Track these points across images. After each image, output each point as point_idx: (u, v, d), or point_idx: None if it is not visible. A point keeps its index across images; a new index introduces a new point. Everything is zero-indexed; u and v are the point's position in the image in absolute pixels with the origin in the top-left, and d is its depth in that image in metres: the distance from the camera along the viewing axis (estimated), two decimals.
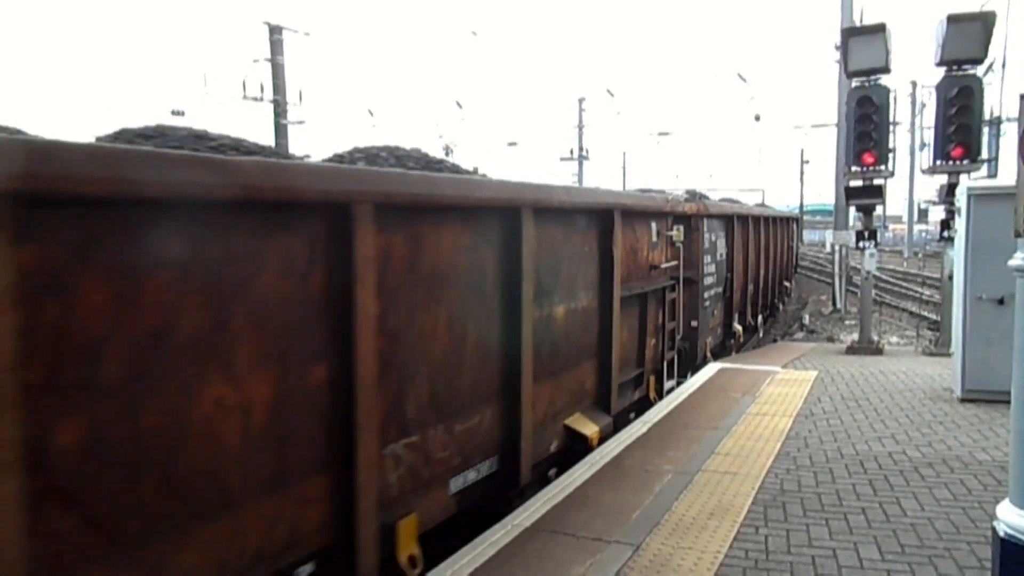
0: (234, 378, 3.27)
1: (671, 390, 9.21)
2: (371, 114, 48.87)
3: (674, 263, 9.34)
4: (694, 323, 10.84)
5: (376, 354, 3.97)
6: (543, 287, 5.90)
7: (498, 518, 5.03)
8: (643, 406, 8.34)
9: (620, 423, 7.44)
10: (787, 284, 23.17)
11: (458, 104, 43.73)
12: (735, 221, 13.54)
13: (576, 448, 6.50)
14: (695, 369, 10.49)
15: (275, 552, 3.51)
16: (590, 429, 6.67)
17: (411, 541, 4.32)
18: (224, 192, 3.20)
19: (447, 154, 37.02)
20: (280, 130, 23.68)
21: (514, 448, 5.54)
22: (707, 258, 11.53)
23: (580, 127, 42.90)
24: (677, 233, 9.39)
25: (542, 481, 5.94)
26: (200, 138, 4.56)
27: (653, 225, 8.62)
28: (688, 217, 10.48)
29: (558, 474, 6.09)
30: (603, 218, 7.06)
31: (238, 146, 4.64)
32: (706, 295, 11.53)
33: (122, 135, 4.48)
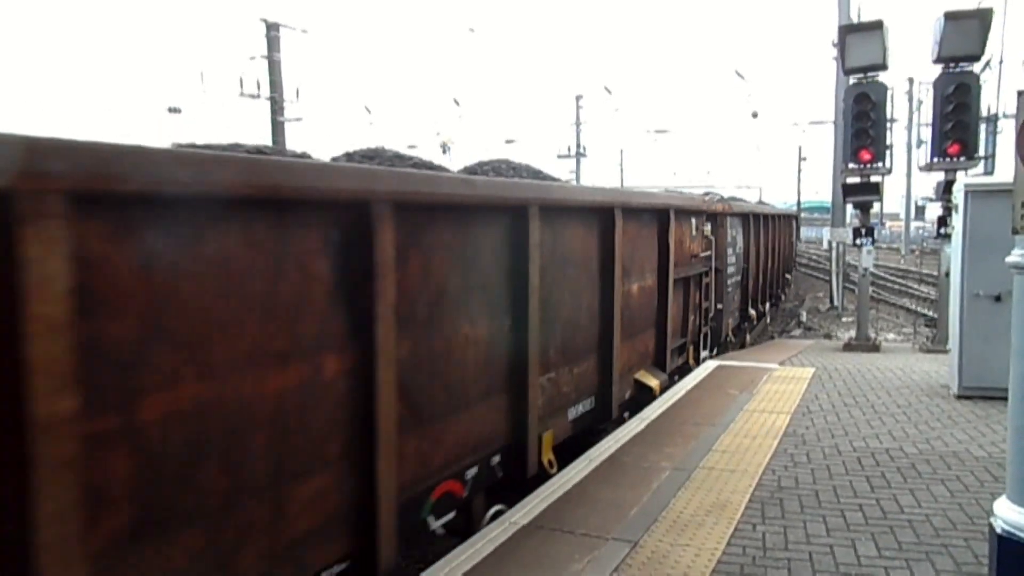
0: (472, 323, 4.94)
1: (705, 359, 11.02)
2: (368, 111, 48.71)
3: (708, 253, 11.07)
4: (719, 305, 11.96)
5: (538, 313, 5.63)
6: (625, 269, 7.59)
7: (590, 446, 6.53)
8: (684, 370, 10.05)
9: (670, 383, 9.10)
10: (788, 276, 25.22)
11: (456, 101, 43.72)
12: (750, 219, 15.16)
13: (642, 397, 8.20)
14: (719, 345, 12.25)
15: (482, 444, 5.18)
16: (653, 382, 8.48)
17: (549, 449, 6.06)
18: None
19: (444, 151, 36.98)
20: (277, 127, 23.64)
21: (606, 390, 7.24)
22: (730, 250, 12.81)
23: (578, 124, 42.85)
24: (709, 229, 11.07)
25: (619, 421, 7.50)
26: (400, 157, 6.55)
27: (693, 221, 10.29)
28: (716, 215, 11.71)
29: (630, 416, 7.68)
30: (662, 216, 8.82)
31: (430, 164, 6.69)
32: (729, 282, 12.86)
33: (352, 157, 6.49)
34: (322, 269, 3.59)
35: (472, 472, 5.00)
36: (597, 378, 7.07)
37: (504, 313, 5.35)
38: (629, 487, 5.51)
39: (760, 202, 30.51)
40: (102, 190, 2.58)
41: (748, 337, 15.72)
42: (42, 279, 2.38)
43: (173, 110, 23.69)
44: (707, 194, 14.58)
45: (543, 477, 5.74)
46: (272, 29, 23.19)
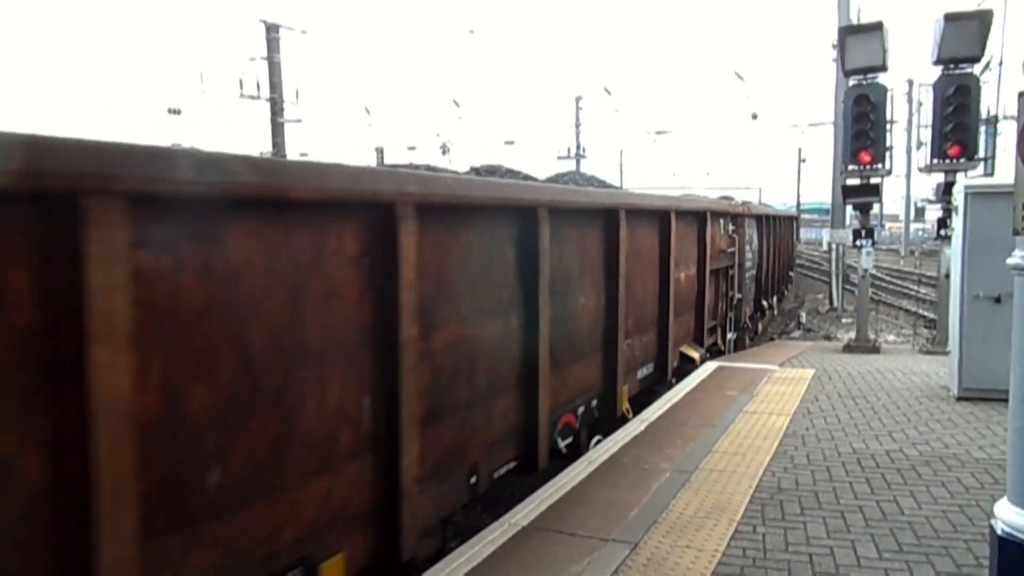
0: (585, 296, 6.71)
1: (730, 340, 12.68)
2: (368, 112, 48.74)
3: (732, 250, 12.64)
4: (739, 295, 13.41)
5: (624, 292, 7.37)
6: (676, 261, 9.19)
7: (648, 405, 8.11)
8: (714, 349, 11.70)
9: (705, 358, 10.76)
10: (790, 273, 27.17)
11: (455, 102, 43.75)
12: (762, 220, 16.86)
13: (685, 367, 9.98)
14: (739, 329, 13.59)
15: (587, 389, 6.87)
16: (694, 354, 10.24)
17: (626, 400, 7.77)
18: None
19: (444, 152, 36.96)
20: (277, 128, 23.64)
21: (664, 357, 9.07)
22: (748, 247, 14.21)
23: (577, 125, 42.85)
24: (732, 228, 12.61)
25: (670, 385, 9.13)
26: (513, 172, 9.06)
27: (722, 222, 11.98)
28: (737, 216, 13.25)
29: (677, 381, 9.26)
30: (700, 218, 10.62)
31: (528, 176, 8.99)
32: (747, 275, 14.30)
33: (479, 170, 8.63)
34: (508, 254, 5.33)
35: (581, 410, 6.73)
36: (656, 347, 8.97)
37: (602, 291, 7.14)
38: (629, 488, 5.50)
39: (761, 203, 30.73)
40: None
41: (760, 325, 17.53)
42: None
43: (173, 111, 23.70)
44: (723, 198, 16.59)
45: (623, 421, 7.49)
46: (272, 30, 23.20)
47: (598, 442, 6.86)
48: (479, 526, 4.94)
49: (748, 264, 14.43)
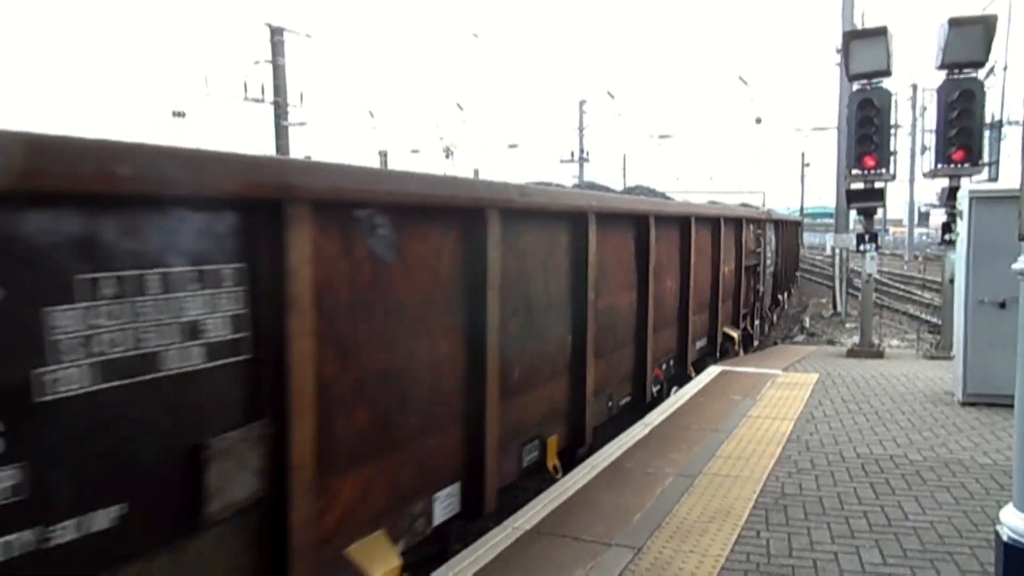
0: (671, 280, 9.08)
1: (758, 326, 15.13)
2: (372, 115, 48.86)
3: (759, 250, 14.86)
4: (762, 288, 15.57)
5: (693, 281, 9.61)
6: (724, 259, 11.46)
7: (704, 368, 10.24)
8: (745, 336, 13.63)
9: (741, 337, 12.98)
10: (796, 274, 29.53)
11: (459, 106, 43.75)
12: (779, 225, 19.41)
13: (726, 344, 12.01)
14: (761, 318, 15.70)
15: (666, 353, 9.03)
16: (734, 333, 12.52)
17: (691, 363, 9.93)
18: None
19: (447, 156, 37.01)
20: (281, 132, 23.70)
21: (714, 333, 11.38)
22: (768, 248, 16.40)
23: (581, 129, 42.87)
24: (759, 232, 14.96)
25: (714, 357, 11.26)
26: (652, 192, 13.32)
27: (752, 227, 14.20)
28: (761, 221, 15.54)
29: (720, 357, 11.47)
30: (738, 223, 12.96)
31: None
32: (767, 272, 16.41)
33: (631, 191, 13.22)
34: (564, 259, 6.19)
35: (664, 366, 8.89)
36: (708, 325, 11.04)
37: (678, 280, 9.08)
38: (632, 493, 5.49)
39: (765, 208, 31.16)
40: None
41: (774, 316, 19.80)
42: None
43: (177, 114, 23.73)
44: (743, 204, 19.79)
45: (688, 379, 9.36)
46: (276, 33, 23.26)
47: (676, 391, 9.05)
48: (482, 529, 4.93)
49: (768, 263, 16.67)
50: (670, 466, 6.10)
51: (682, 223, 9.37)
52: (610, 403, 7.34)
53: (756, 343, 15.06)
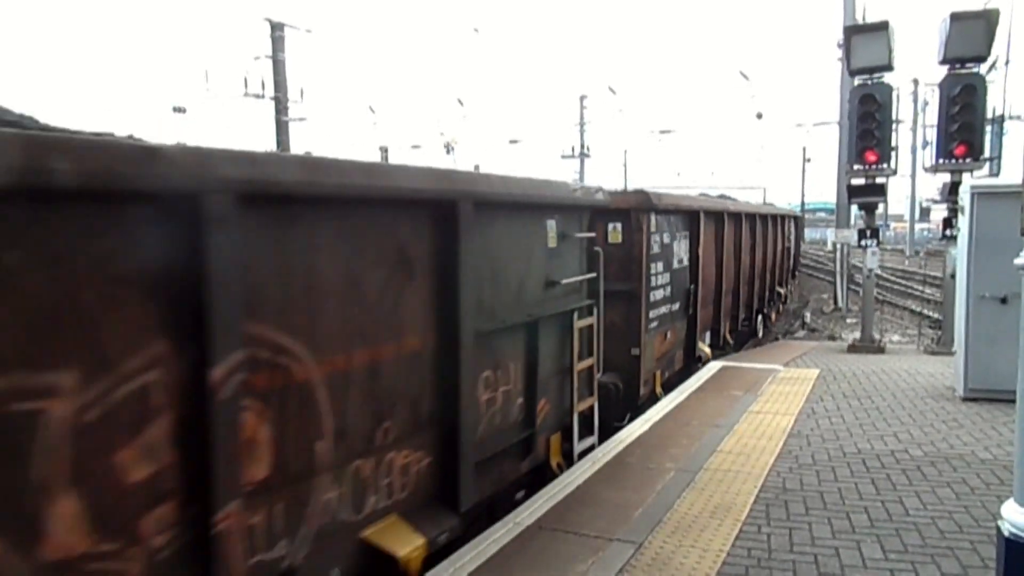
0: (751, 257, 15.23)
1: (790, 290, 20.73)
2: (372, 111, 48.79)
3: (790, 240, 21.05)
4: (791, 266, 22.07)
5: (762, 255, 16.45)
6: (775, 242, 17.82)
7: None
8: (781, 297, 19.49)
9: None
10: (798, 259, 31.50)
11: (460, 101, 43.64)
12: (796, 219, 25.74)
13: (775, 302, 18.52)
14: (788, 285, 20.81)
15: (719, 321, 12.83)
16: (782, 290, 18.84)
17: (706, 347, 11.71)
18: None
19: (448, 151, 36.95)
20: (281, 127, 23.66)
21: (751, 311, 15.10)
22: (792, 237, 22.14)
23: (582, 124, 42.80)
24: (789, 225, 21.12)
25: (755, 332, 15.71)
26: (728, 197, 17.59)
27: (786, 221, 20.46)
28: (792, 217, 22.78)
29: (773, 311, 18.11)
30: (775, 219, 17.76)
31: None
32: (791, 255, 21.76)
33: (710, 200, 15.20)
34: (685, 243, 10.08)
35: (707, 338, 11.06)
36: (742, 305, 14.56)
37: (757, 254, 14.33)
38: (633, 488, 5.50)
39: (766, 203, 31.47)
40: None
41: (791, 286, 23.93)
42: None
43: (177, 109, 23.69)
44: (766, 203, 25.99)
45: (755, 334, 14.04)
46: (276, 29, 23.20)
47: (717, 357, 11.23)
48: (483, 525, 4.94)
49: (791, 248, 22.22)
50: (671, 461, 6.11)
51: (763, 220, 16.01)
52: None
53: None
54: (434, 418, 4.57)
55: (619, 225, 8.75)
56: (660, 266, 9.52)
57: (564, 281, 6.11)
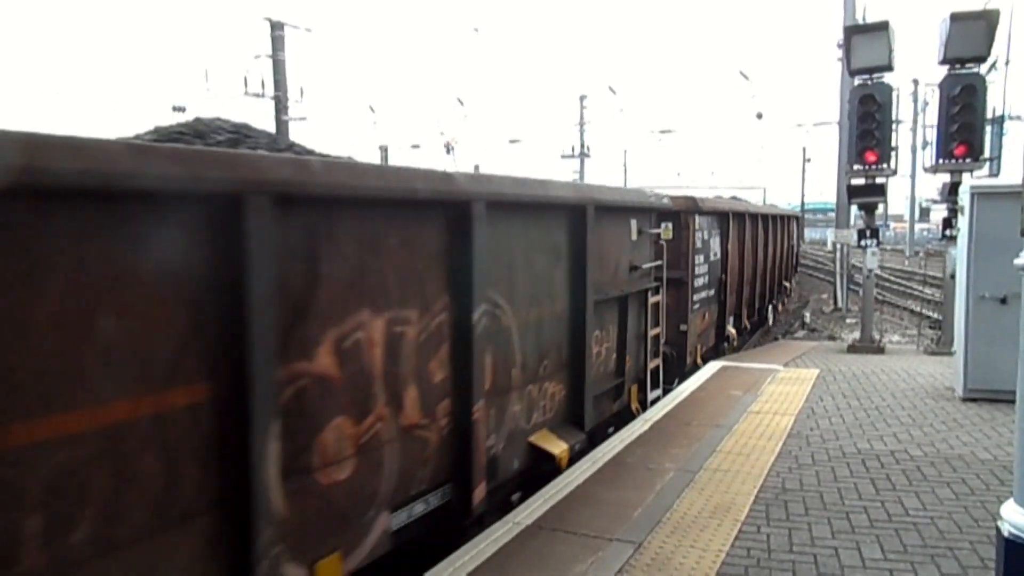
0: (768, 250, 18.36)
1: (796, 279, 24.37)
2: (372, 110, 48.81)
3: (795, 238, 23.35)
4: (794, 262, 23.45)
5: (778, 250, 19.94)
6: (789, 237, 22.53)
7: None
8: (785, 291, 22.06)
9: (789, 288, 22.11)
10: (797, 268, 32.41)
11: (460, 101, 43.58)
12: (800, 220, 27.76)
13: (780, 295, 20.83)
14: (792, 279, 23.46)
15: (748, 303, 16.00)
16: (787, 284, 20.89)
17: (746, 318, 14.56)
18: None
19: (448, 151, 36.91)
20: (281, 126, 23.63)
21: (764, 300, 17.35)
22: (795, 235, 23.92)
23: (582, 124, 42.78)
24: (793, 224, 23.19)
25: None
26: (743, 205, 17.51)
27: (791, 220, 22.79)
28: (794, 217, 24.32)
29: (779, 303, 20.46)
30: (784, 219, 20.60)
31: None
32: (794, 253, 23.38)
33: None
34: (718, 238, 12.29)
35: (731, 321, 12.19)
36: (781, 277, 18.87)
37: (772, 249, 16.62)
38: (633, 488, 5.50)
39: (767, 203, 32.27)
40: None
41: (793, 280, 25.88)
42: None
43: (177, 108, 23.62)
44: (766, 204, 31.29)
45: (764, 323, 16.13)
46: (276, 28, 23.19)
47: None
48: (483, 525, 4.94)
49: (795, 247, 24.35)
50: (671, 461, 6.11)
51: (786, 221, 19.79)
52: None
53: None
54: (569, 361, 6.38)
55: (671, 224, 10.28)
56: (701, 258, 11.54)
57: (643, 266, 8.13)
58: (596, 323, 6.75)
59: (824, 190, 70.39)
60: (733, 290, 13.69)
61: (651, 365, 8.30)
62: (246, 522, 3.14)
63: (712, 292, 12.28)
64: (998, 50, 11.24)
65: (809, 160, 60.77)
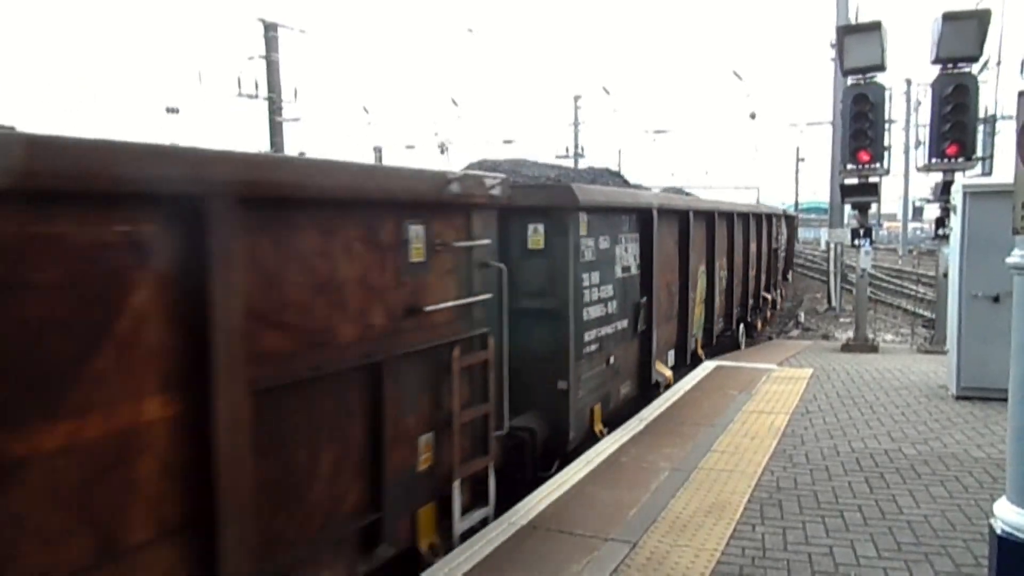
0: (771, 244, 18.60)
1: (789, 275, 24.07)
2: (367, 111, 48.72)
3: (784, 237, 21.29)
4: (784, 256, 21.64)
5: (775, 248, 19.04)
6: (777, 237, 19.56)
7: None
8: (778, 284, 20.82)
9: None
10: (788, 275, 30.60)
11: (454, 102, 43.68)
12: (791, 218, 27.17)
13: (772, 288, 19.28)
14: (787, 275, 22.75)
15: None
16: (776, 288, 19.82)
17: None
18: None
19: (442, 152, 36.89)
20: (275, 127, 23.59)
21: (780, 274, 20.04)
22: (784, 236, 21.68)
23: (576, 125, 42.78)
24: (786, 223, 21.97)
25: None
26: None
27: (780, 220, 20.42)
28: (788, 217, 23.52)
29: (779, 288, 20.38)
30: (784, 218, 21.46)
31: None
32: (782, 251, 21.32)
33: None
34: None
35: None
36: (781, 271, 19.72)
37: (773, 245, 18.01)
38: (628, 488, 5.50)
39: (760, 203, 32.11)
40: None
41: (790, 275, 24.98)
42: None
43: (171, 110, 23.58)
44: (761, 203, 27.51)
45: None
46: (270, 29, 23.13)
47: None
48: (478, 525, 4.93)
49: (780, 249, 22.13)
50: (665, 461, 6.12)
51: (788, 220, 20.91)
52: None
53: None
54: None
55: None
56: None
57: (781, 240, 13.99)
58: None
59: (818, 190, 70.59)
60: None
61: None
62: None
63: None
64: (990, 50, 11.30)
65: (803, 160, 60.85)
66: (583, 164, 42.27)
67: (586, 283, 7.05)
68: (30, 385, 2.49)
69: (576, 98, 42.85)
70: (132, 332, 2.79)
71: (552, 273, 6.65)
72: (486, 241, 5.08)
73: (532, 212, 6.58)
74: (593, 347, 7.29)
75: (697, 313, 11.27)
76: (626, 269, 8.16)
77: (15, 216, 2.45)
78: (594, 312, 7.30)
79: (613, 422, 7.53)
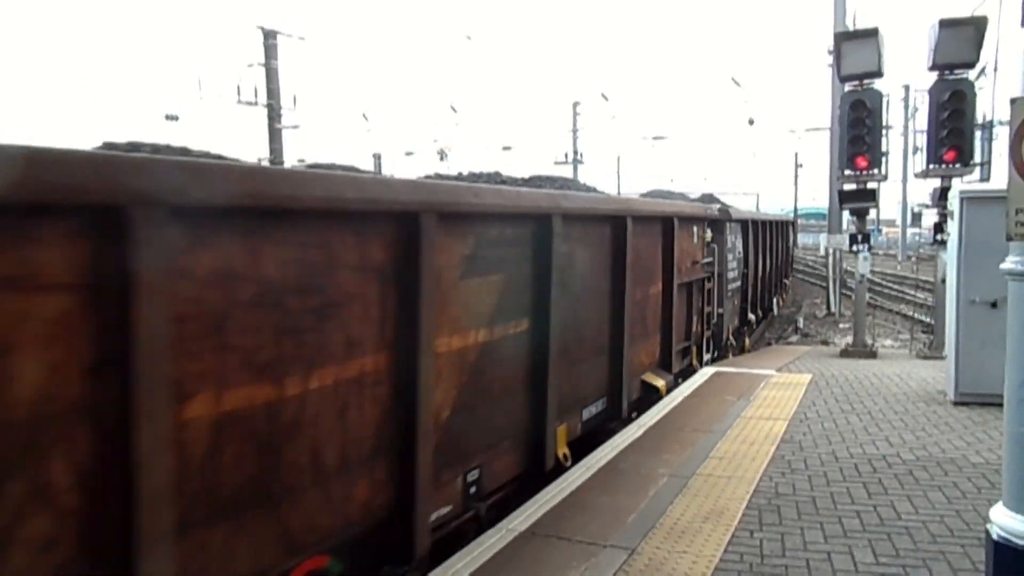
0: (767, 253, 19.63)
1: (786, 289, 25.84)
2: (366, 118, 48.83)
3: (787, 245, 25.02)
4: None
5: (774, 250, 20.53)
6: (787, 239, 25.54)
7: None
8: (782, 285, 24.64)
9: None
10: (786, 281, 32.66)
11: (453, 108, 43.73)
12: (793, 224, 30.91)
13: (780, 290, 23.72)
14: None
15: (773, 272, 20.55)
16: (778, 297, 22.99)
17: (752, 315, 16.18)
18: None
19: (441, 158, 36.95)
20: (274, 134, 23.65)
21: (770, 294, 19.82)
22: (788, 241, 26.50)
23: (575, 131, 42.88)
24: (788, 229, 25.69)
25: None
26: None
27: (781, 225, 22.84)
28: (788, 223, 26.59)
29: (780, 285, 23.99)
30: (781, 225, 22.81)
31: None
32: (789, 256, 25.75)
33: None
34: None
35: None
36: (773, 284, 19.86)
37: (772, 250, 19.48)
38: (626, 494, 5.50)
39: (758, 210, 32.81)
40: None
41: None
42: None
43: (171, 117, 23.63)
44: (755, 209, 33.89)
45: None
46: (269, 36, 23.21)
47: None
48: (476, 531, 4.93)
49: (788, 248, 26.58)
50: (664, 467, 6.12)
51: (785, 225, 22.06)
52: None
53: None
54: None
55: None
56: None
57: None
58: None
59: (816, 195, 70.63)
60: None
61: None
62: None
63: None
64: (987, 56, 11.32)
65: (801, 166, 60.92)
66: (582, 170, 42.37)
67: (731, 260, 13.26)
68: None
69: (575, 104, 43.00)
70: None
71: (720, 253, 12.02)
72: (709, 234, 11.29)
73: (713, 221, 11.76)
74: (729, 293, 13.47)
75: (759, 286, 17.68)
76: (740, 254, 14.64)
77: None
78: (731, 275, 13.51)
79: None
